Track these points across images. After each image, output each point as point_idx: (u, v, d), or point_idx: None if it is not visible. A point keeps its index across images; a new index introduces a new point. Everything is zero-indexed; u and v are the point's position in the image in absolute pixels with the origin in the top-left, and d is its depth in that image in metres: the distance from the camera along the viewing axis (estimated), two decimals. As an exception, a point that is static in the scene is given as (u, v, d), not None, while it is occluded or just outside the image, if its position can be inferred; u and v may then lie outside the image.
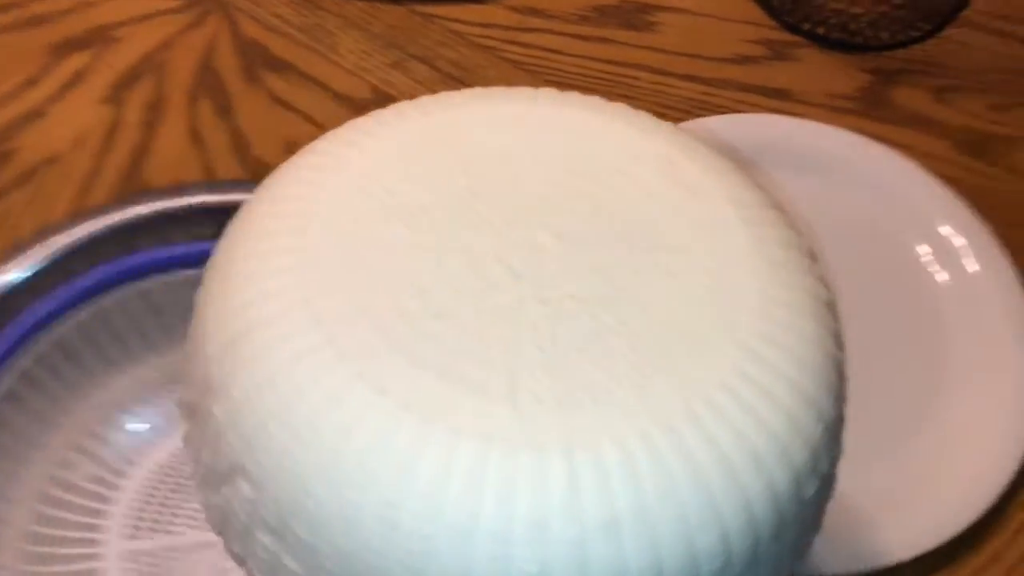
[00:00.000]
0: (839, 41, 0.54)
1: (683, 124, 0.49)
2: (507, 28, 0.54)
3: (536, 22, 0.55)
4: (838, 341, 0.23)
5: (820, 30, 0.54)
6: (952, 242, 0.46)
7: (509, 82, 0.52)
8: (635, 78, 0.53)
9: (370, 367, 0.20)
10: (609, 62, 0.53)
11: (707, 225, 0.23)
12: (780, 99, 0.52)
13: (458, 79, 0.52)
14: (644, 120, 0.26)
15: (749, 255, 0.23)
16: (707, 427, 0.20)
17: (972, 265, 0.45)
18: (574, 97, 0.27)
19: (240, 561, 0.23)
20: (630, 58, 0.53)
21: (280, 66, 0.52)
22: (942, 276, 0.46)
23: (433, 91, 0.51)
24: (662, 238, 0.23)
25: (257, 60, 0.53)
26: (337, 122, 0.51)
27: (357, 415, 0.20)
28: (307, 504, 0.20)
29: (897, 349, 0.44)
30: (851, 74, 0.54)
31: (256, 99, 0.51)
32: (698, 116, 0.50)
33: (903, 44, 0.54)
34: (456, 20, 0.54)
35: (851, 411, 0.40)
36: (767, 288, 0.22)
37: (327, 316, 0.21)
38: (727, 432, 0.20)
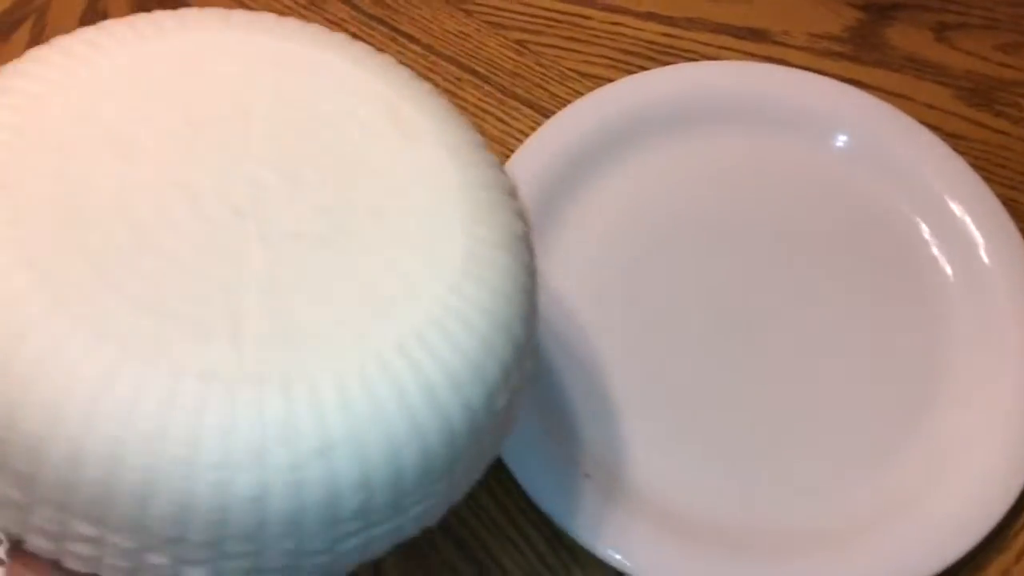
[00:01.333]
0: (826, -29, 0.47)
1: (640, 75, 0.42)
2: (441, -40, 0.47)
3: (475, -48, 0.47)
4: (529, 270, 0.26)
5: (804, -42, 0.47)
6: (955, 217, 0.39)
7: (442, 22, 0.45)
8: (587, 17, 0.45)
9: (86, 310, 0.21)
10: (558, -1, 0.46)
11: (422, 169, 0.25)
12: (756, 41, 0.45)
13: (382, 19, 0.45)
14: (367, 57, 0.27)
15: (457, 197, 0.25)
16: (414, 358, 0.22)
17: (978, 248, 0.39)
18: (294, 25, 0.27)
19: None
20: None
21: (179, 6, 0.45)
22: (942, 259, 0.39)
23: (355, 34, 0.45)
24: (381, 180, 0.25)
25: (153, 1, 0.46)
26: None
27: (78, 361, 0.21)
28: (29, 442, 0.21)
29: (886, 345, 0.38)
30: (839, 10, 0.46)
31: (150, 47, 0.45)
32: (660, 63, 0.44)
33: (900, -26, 0.47)
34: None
35: (822, 428, 0.36)
36: (470, 227, 0.25)
37: (39, 257, 0.21)
38: (431, 360, 0.23)
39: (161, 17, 0.26)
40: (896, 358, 0.37)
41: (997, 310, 0.38)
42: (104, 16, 0.45)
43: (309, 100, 0.25)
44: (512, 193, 0.27)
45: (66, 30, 0.44)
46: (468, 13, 0.46)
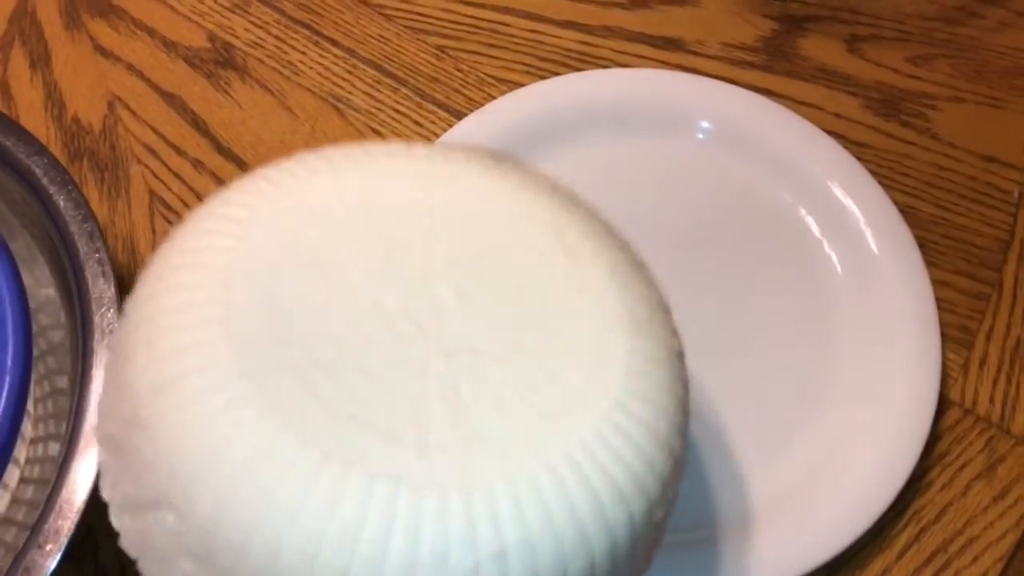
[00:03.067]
0: (742, -17, 0.48)
1: (552, 80, 0.43)
2: (366, -33, 0.48)
3: (399, -41, 0.48)
4: (685, 385, 0.27)
5: (721, -30, 0.48)
6: (852, 221, 0.40)
7: (363, 27, 0.46)
8: (506, 24, 0.46)
9: (295, 418, 0.23)
10: (478, 4, 0.47)
11: (585, 288, 0.26)
12: (671, 50, 0.46)
13: (305, 24, 0.46)
14: (533, 181, 0.28)
15: (619, 315, 0.26)
16: (581, 469, 0.23)
17: (872, 249, 0.40)
18: (464, 153, 0.29)
19: None
20: (500, 1, 0.47)
21: (107, 10, 0.46)
22: (838, 259, 0.40)
23: (278, 37, 0.46)
24: (548, 299, 0.26)
25: (81, 3, 0.47)
26: (165, 74, 0.46)
27: (284, 464, 0.22)
28: (233, 538, 0.22)
29: (783, 340, 0.39)
30: (754, 21, 0.47)
31: (77, 48, 0.45)
32: (576, 69, 0.45)
33: (815, -14, 0.48)
34: (311, -42, 0.48)
35: (722, 422, 0.37)
36: (633, 344, 0.26)
37: (252, 368, 0.23)
38: (597, 473, 0.24)
39: (347, 149, 0.28)
40: (790, 355, 0.38)
41: (887, 308, 0.38)
42: (33, 17, 0.46)
43: (484, 225, 0.27)
44: (666, 309, 0.28)
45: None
46: (389, 18, 0.47)
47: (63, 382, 0.35)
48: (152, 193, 0.42)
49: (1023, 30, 0.48)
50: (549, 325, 0.26)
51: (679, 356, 0.27)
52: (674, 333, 0.28)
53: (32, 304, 0.32)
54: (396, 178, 0.28)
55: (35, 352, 0.32)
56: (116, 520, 0.25)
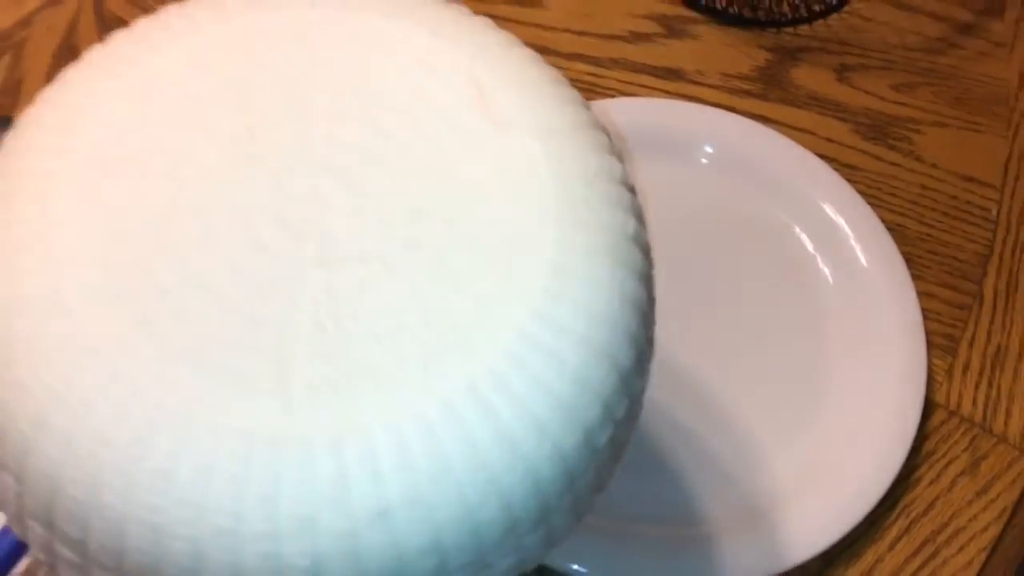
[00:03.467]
0: (738, 17, 0.51)
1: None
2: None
3: (418, -3, 0.52)
4: (641, 276, 0.22)
5: (718, 4, 0.51)
6: (843, 237, 0.43)
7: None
8: (519, 58, 0.50)
9: (124, 365, 0.19)
10: (493, 40, 0.50)
11: (510, 164, 0.22)
12: (673, 80, 0.49)
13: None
14: (452, 23, 0.23)
15: (550, 197, 0.21)
16: (487, 401, 0.19)
17: (862, 263, 0.43)
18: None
19: (23, 540, 0.22)
20: (514, 35, 0.50)
21: (145, 45, 0.49)
22: (830, 273, 0.43)
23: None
24: (459, 182, 0.21)
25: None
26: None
27: (113, 420, 0.19)
28: (69, 505, 0.19)
29: (780, 348, 0.42)
30: (750, 52, 0.51)
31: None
32: (584, 99, 0.48)
33: (805, 20, 0.51)
34: None
35: (723, 424, 0.40)
36: (563, 234, 0.21)
37: (76, 299, 0.19)
38: (508, 404, 0.19)
39: (221, 2, 0.23)
40: (786, 362, 0.41)
41: (876, 318, 0.41)
42: (76, 52, 0.49)
43: (378, 85, 0.22)
44: (623, 183, 0.23)
45: (41, 67, 0.48)
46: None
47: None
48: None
49: (1001, 60, 0.52)
50: (459, 216, 0.21)
51: (632, 240, 0.22)
52: (630, 211, 0.22)
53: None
54: (272, 31, 0.23)
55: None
56: None
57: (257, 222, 0.20)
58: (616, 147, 0.23)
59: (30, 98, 0.48)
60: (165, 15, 0.23)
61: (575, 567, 0.35)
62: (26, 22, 0.50)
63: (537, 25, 0.51)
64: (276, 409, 0.19)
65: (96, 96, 0.22)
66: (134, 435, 0.19)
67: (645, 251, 0.23)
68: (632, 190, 0.23)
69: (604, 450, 0.21)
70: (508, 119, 0.22)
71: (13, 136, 0.22)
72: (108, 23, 0.50)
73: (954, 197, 0.47)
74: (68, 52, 0.49)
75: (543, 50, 0.50)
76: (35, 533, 0.21)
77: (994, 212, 0.47)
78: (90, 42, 0.51)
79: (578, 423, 0.20)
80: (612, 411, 0.21)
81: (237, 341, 0.20)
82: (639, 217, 0.22)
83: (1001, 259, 0.45)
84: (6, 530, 0.29)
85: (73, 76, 0.22)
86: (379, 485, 0.19)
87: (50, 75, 0.50)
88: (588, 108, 0.23)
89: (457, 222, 0.21)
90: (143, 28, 0.23)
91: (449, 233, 0.21)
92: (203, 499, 0.19)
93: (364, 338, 0.20)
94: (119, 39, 0.23)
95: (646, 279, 0.22)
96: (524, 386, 0.20)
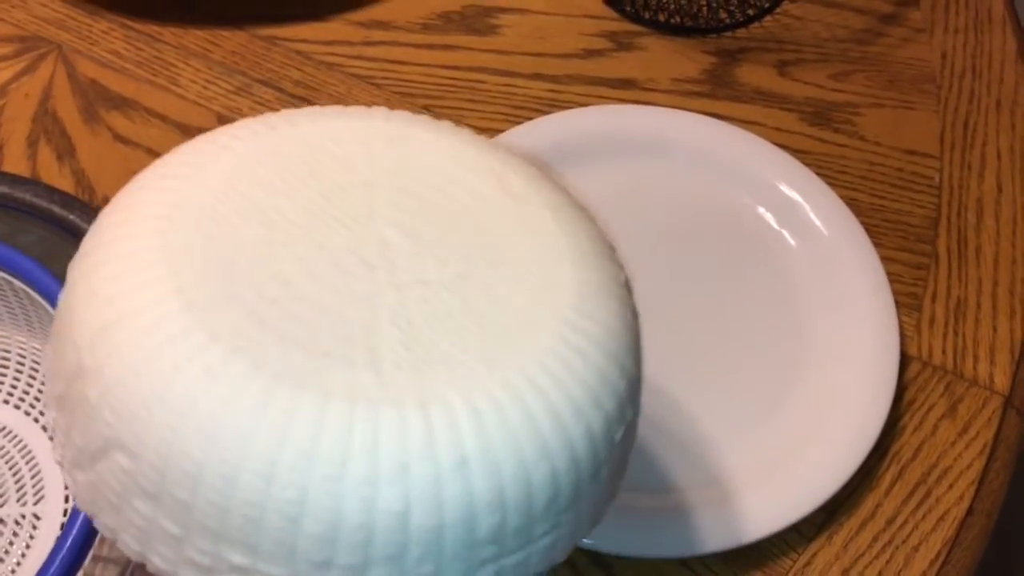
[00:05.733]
0: (680, 26, 0.55)
1: (529, 123, 0.49)
2: (351, 43, 0.54)
3: (380, 35, 0.54)
4: (634, 312, 0.28)
5: (661, 17, 0.55)
6: (804, 211, 0.47)
7: (356, 97, 0.52)
8: (482, 81, 0.53)
9: (243, 345, 0.23)
10: (455, 68, 0.53)
11: (529, 226, 0.27)
12: (627, 89, 0.53)
13: (304, 98, 0.52)
14: (469, 136, 0.30)
15: (564, 248, 0.27)
16: (538, 383, 0.24)
17: (824, 233, 0.46)
18: (406, 114, 0.30)
19: (112, 533, 0.24)
20: (476, 62, 0.53)
21: (121, 103, 0.51)
22: (797, 245, 0.46)
23: (280, 106, 0.51)
24: (493, 236, 0.27)
25: (97, 99, 0.51)
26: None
27: (234, 388, 0.22)
28: (186, 467, 0.22)
29: (759, 319, 0.44)
30: (695, 57, 0.54)
31: (98, 139, 0.50)
32: (547, 113, 0.51)
33: (742, 24, 0.55)
34: (299, 40, 0.54)
35: (716, 392, 0.42)
36: (580, 274, 0.27)
37: (197, 303, 0.23)
38: (553, 386, 0.24)
39: (289, 112, 0.29)
40: (767, 332, 0.44)
41: (846, 284, 0.44)
42: (54, 116, 0.51)
43: (423, 172, 0.28)
44: (611, 246, 0.29)
45: (22, 132, 0.49)
46: (379, 87, 0.52)
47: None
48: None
49: (922, 43, 0.56)
50: (497, 258, 0.26)
51: (626, 286, 0.28)
52: (620, 266, 0.29)
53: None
54: (334, 134, 0.28)
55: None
56: (69, 479, 0.25)
57: (338, 255, 0.25)
58: (597, 217, 0.30)
59: (12, 165, 0.49)
60: (243, 122, 0.28)
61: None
62: (2, 91, 0.51)
63: (495, 51, 0.54)
64: (372, 380, 0.23)
65: (201, 168, 0.27)
66: (254, 398, 0.22)
67: (632, 294, 0.29)
68: (615, 248, 0.29)
69: (618, 448, 0.26)
70: (524, 196, 0.28)
71: (122, 198, 0.26)
72: (82, 86, 0.51)
73: (899, 169, 0.51)
74: (46, 116, 0.51)
75: (504, 73, 0.53)
76: (137, 513, 0.23)
77: (936, 179, 0.50)
78: (66, 106, 0.53)
79: (601, 410, 0.25)
80: (623, 410, 0.26)
81: (334, 334, 0.24)
82: (624, 268, 0.29)
83: (949, 220, 0.49)
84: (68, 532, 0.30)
85: (183, 152, 0.28)
86: (458, 440, 0.23)
87: (31, 140, 0.51)
88: (573, 195, 0.30)
89: (496, 263, 0.26)
90: (230, 127, 0.28)
91: (491, 270, 0.26)
92: (313, 449, 0.22)
93: (432, 336, 0.24)
94: (204, 136, 0.28)
95: (636, 314, 0.28)
96: (564, 374, 0.24)
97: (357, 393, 0.22)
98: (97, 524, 0.24)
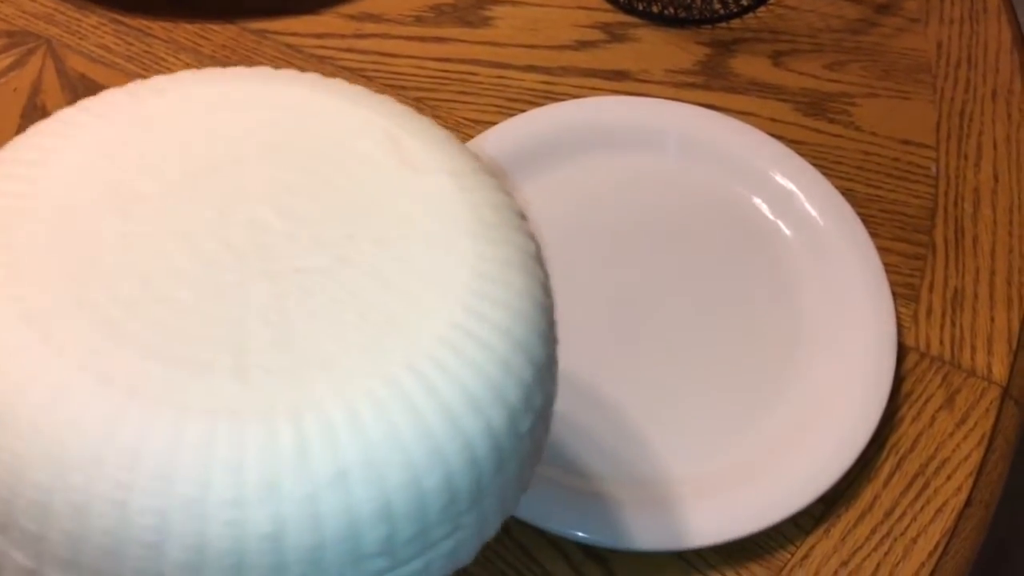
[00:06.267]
0: (674, 17, 0.54)
1: (523, 115, 0.49)
2: (343, 36, 0.53)
3: (371, 27, 0.54)
4: (545, 289, 0.25)
5: (655, 8, 0.54)
6: (799, 202, 0.46)
7: (349, 90, 0.51)
8: (474, 74, 0.52)
9: (91, 359, 0.21)
10: (447, 60, 0.53)
11: (427, 196, 0.25)
12: (622, 80, 0.52)
13: (296, 92, 0.51)
14: (364, 95, 0.27)
15: (463, 219, 0.25)
16: (428, 379, 0.22)
17: (820, 223, 0.46)
18: (289, 74, 0.27)
19: None
20: (468, 54, 0.53)
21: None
22: (793, 236, 0.46)
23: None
24: (383, 210, 0.25)
25: (86, 94, 0.50)
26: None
27: (81, 406, 0.20)
28: (34, 496, 0.20)
29: (756, 310, 0.44)
30: (689, 49, 0.54)
31: (88, 134, 0.50)
32: (540, 105, 0.50)
33: (737, 14, 0.54)
34: (291, 34, 0.53)
35: (713, 384, 0.42)
36: (481, 248, 0.24)
37: (39, 312, 0.21)
38: (446, 381, 0.22)
39: (158, 80, 0.27)
40: (764, 323, 0.43)
41: (843, 275, 0.44)
42: (43, 110, 0.50)
43: (305, 140, 0.25)
44: (520, 214, 0.26)
45: (10, 126, 0.49)
46: (371, 79, 0.52)
47: None
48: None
49: (918, 33, 0.56)
50: (387, 236, 0.24)
51: (534, 258, 0.25)
52: (529, 236, 0.26)
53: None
54: (206, 101, 0.26)
55: None
56: None
57: (203, 244, 0.23)
58: (507, 185, 0.28)
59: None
60: (104, 95, 0.26)
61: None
62: (-10, 87, 0.51)
63: (489, 43, 0.53)
64: (237, 389, 0.21)
65: (55, 151, 0.24)
66: (103, 418, 0.20)
67: (544, 267, 0.26)
68: (525, 218, 0.27)
69: (526, 439, 0.24)
70: (421, 163, 0.25)
71: None
72: (72, 81, 0.51)
73: (895, 159, 0.50)
74: (35, 111, 0.50)
75: (497, 65, 0.53)
76: None
77: (933, 169, 0.50)
78: (56, 101, 0.52)
79: (504, 403, 0.23)
80: (531, 399, 0.24)
81: (196, 337, 0.22)
82: (535, 239, 0.26)
83: (946, 211, 0.49)
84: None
85: (34, 134, 0.25)
86: (336, 450, 0.21)
87: (20, 133, 0.51)
88: (480, 158, 0.27)
89: (384, 241, 0.24)
90: (106, 94, 0.26)
91: (378, 250, 0.24)
92: (171, 471, 0.20)
93: (309, 333, 0.22)
94: (85, 101, 0.26)
95: (548, 291, 0.26)
96: (459, 366, 0.22)
97: (219, 405, 0.21)
98: None
